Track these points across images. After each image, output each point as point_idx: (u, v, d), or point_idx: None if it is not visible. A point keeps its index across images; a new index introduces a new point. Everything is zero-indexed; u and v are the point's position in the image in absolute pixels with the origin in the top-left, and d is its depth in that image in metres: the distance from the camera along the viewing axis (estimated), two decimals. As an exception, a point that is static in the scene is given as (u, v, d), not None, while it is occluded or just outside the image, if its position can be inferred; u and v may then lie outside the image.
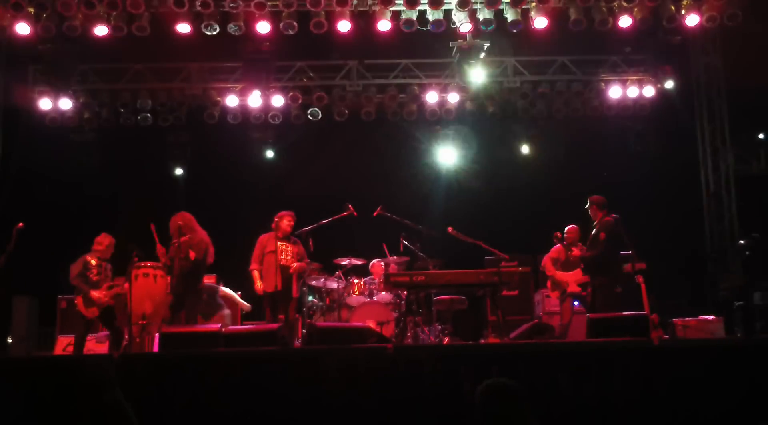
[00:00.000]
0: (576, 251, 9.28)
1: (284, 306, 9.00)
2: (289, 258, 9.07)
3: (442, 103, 12.41)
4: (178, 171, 12.84)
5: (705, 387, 5.99)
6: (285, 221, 9.21)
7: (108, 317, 8.88)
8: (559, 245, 9.63)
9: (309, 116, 12.40)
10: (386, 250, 10.26)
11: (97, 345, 9.41)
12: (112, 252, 8.99)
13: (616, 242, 8.54)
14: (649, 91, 12.33)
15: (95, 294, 8.70)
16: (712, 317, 9.80)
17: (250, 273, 9.15)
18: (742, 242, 11.28)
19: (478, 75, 10.79)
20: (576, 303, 9.41)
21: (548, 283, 9.66)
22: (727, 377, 6.02)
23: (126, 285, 8.64)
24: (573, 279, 9.42)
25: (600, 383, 5.97)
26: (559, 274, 9.54)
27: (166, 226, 8.83)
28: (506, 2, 10.08)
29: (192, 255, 8.61)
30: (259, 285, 9.05)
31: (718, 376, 6.03)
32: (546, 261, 9.70)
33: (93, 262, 8.84)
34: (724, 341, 8.19)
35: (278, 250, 9.05)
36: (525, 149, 12.94)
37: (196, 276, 8.79)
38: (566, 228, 9.63)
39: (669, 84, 11.94)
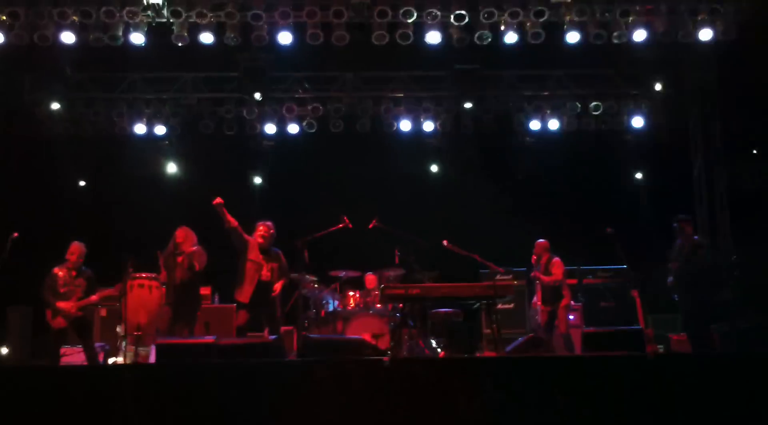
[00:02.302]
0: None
1: (267, 322, 8.64)
2: (265, 272, 8.60)
3: (437, 116, 12.44)
4: (173, 180, 12.79)
5: (700, 401, 5.98)
6: (257, 232, 8.67)
7: (80, 329, 8.56)
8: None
9: (304, 127, 12.42)
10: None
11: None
12: (83, 260, 8.61)
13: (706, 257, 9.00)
14: (644, 106, 12.38)
15: (61, 304, 8.39)
16: (706, 332, 9.79)
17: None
18: (735, 258, 11.30)
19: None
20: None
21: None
22: (722, 392, 6.02)
23: (94, 298, 8.57)
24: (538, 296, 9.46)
25: (595, 397, 5.96)
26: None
27: (162, 235, 8.81)
28: (503, 17, 10.13)
29: (196, 266, 8.57)
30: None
31: (713, 391, 6.03)
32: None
33: (60, 274, 8.50)
34: (719, 356, 8.18)
35: (259, 263, 8.56)
36: (520, 163, 12.96)
37: (195, 287, 8.76)
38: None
39: (663, 99, 12.00)
